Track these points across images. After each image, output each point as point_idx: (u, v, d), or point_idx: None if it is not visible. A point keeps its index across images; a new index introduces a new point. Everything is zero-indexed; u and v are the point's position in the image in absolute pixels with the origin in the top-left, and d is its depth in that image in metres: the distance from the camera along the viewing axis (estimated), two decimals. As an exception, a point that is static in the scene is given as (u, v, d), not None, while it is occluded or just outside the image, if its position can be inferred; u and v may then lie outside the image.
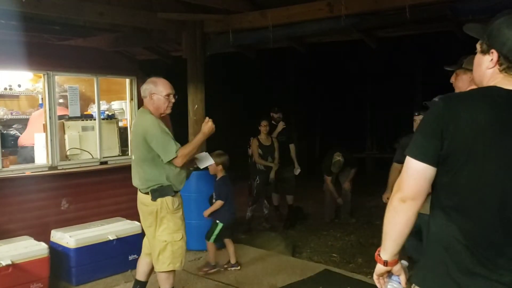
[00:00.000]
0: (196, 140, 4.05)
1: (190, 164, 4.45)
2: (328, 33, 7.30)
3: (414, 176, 1.81)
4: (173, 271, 4.05)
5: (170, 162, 3.87)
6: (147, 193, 3.95)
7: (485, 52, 1.86)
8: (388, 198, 5.45)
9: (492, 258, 1.74)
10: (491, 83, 1.84)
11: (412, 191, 1.81)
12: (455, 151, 1.75)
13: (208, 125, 4.06)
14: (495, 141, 1.73)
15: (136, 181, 4.06)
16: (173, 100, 4.04)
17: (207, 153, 4.67)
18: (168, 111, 4.05)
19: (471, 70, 3.06)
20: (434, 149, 1.77)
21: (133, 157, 4.12)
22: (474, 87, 2.01)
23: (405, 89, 12.53)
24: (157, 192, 3.91)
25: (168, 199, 3.92)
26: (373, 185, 9.62)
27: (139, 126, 4.00)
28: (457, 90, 3.26)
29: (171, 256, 3.96)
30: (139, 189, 4.05)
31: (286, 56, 11.22)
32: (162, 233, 3.95)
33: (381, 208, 7.46)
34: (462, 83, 3.26)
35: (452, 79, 3.37)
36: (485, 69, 1.87)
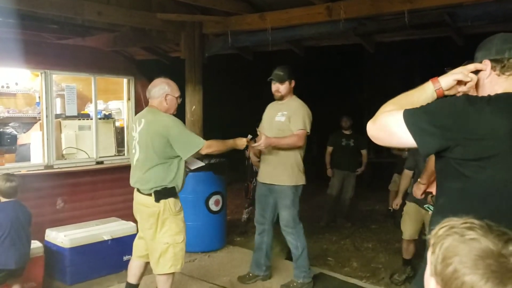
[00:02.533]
0: (228, 143, 4.24)
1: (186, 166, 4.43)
2: (326, 37, 7.31)
3: (392, 130, 1.86)
4: (173, 273, 4.03)
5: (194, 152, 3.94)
6: (149, 194, 3.92)
7: (477, 72, 1.93)
8: (397, 205, 5.49)
9: None
10: (497, 89, 1.86)
11: (381, 137, 1.92)
12: (477, 156, 1.72)
13: (243, 143, 4.32)
14: None
15: (137, 182, 4.02)
16: (179, 102, 4.15)
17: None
18: (175, 112, 4.11)
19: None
20: (438, 138, 1.75)
21: (136, 156, 4.04)
22: (473, 93, 2.01)
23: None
24: (160, 194, 3.89)
25: (171, 201, 3.92)
26: (369, 189, 9.66)
27: (156, 125, 3.93)
28: None
29: (173, 258, 3.94)
30: (140, 190, 4.00)
31: (285, 59, 11.23)
32: (164, 235, 3.93)
33: (377, 213, 7.57)
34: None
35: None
36: (484, 81, 1.92)
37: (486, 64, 1.89)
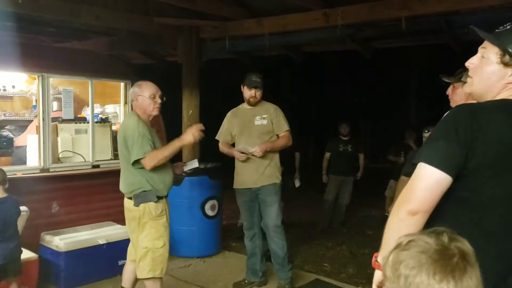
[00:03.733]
0: (173, 145, 3.95)
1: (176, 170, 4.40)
2: (323, 43, 7.33)
3: (430, 187, 1.64)
4: (160, 278, 3.99)
5: (140, 163, 3.78)
6: (130, 198, 3.91)
7: (507, 64, 1.74)
8: None
9: (503, 279, 1.68)
10: (502, 96, 1.75)
11: (426, 203, 1.64)
12: (482, 165, 1.64)
13: (193, 131, 3.97)
14: None
15: (121, 186, 4.03)
16: (159, 101, 3.99)
17: (196, 160, 4.60)
18: (155, 112, 4.01)
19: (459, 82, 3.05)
20: (459, 159, 1.63)
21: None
22: (471, 100, 1.95)
23: (399, 100, 12.60)
24: (139, 198, 3.85)
25: (151, 205, 3.86)
26: (365, 195, 9.66)
27: (122, 128, 4.01)
28: (452, 104, 3.15)
29: (151, 263, 3.89)
30: (124, 194, 4.00)
31: (282, 64, 11.26)
32: (144, 239, 3.89)
33: (373, 218, 7.55)
34: (459, 96, 3.22)
35: (449, 91, 3.29)
36: (500, 82, 1.76)
37: None
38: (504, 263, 1.69)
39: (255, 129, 4.94)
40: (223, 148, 5.10)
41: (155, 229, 3.90)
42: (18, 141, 5.84)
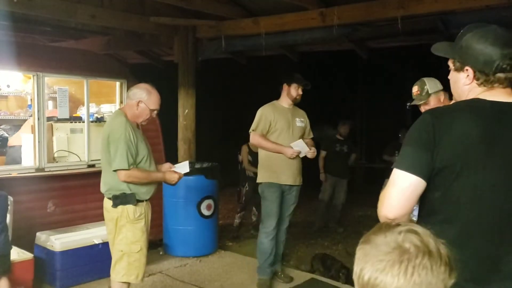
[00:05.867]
0: (153, 175, 3.90)
1: None
2: (320, 42, 7.32)
3: (404, 191, 1.73)
4: (128, 284, 3.88)
5: (116, 171, 3.69)
6: (109, 198, 3.81)
7: (459, 69, 1.87)
8: None
9: (486, 274, 1.71)
10: (472, 96, 1.83)
11: (400, 207, 1.73)
12: (449, 164, 1.72)
13: (173, 177, 3.97)
14: (487, 153, 1.71)
15: (101, 186, 3.91)
16: (154, 116, 3.94)
17: (187, 161, 4.53)
18: (144, 123, 3.93)
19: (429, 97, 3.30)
20: (426, 161, 1.72)
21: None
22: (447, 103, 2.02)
23: (396, 100, 12.62)
24: (118, 199, 3.74)
25: (129, 207, 3.74)
26: (361, 194, 9.66)
27: (107, 126, 3.85)
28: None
29: (127, 268, 3.80)
30: (104, 194, 3.89)
31: (279, 63, 11.26)
32: (120, 242, 3.79)
33: (369, 218, 7.57)
34: (431, 106, 3.44)
35: (422, 110, 3.56)
36: (463, 86, 1.87)
37: (469, 73, 1.83)
38: (482, 261, 1.72)
39: (296, 130, 5.07)
40: (261, 140, 5.00)
41: (132, 233, 3.78)
42: (11, 140, 5.81)
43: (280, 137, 4.99)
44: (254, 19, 6.28)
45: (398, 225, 1.22)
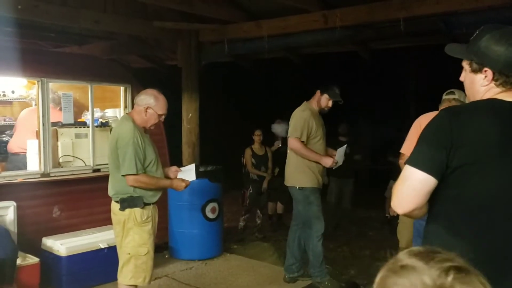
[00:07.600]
0: (161, 182, 3.98)
1: None
2: (322, 45, 7.33)
3: (414, 188, 1.76)
4: (135, 286, 3.93)
5: (124, 176, 3.77)
6: (117, 202, 3.86)
7: (476, 71, 1.86)
8: (394, 212, 5.54)
9: (501, 274, 1.68)
10: (488, 97, 1.83)
11: (412, 205, 1.78)
12: (465, 163, 1.72)
13: (180, 186, 4.07)
14: (504, 154, 1.71)
15: (109, 189, 3.98)
16: (162, 120, 4.02)
17: (194, 165, 4.58)
18: (152, 128, 4.00)
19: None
20: (440, 160, 1.73)
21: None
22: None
23: (399, 101, 12.60)
24: (125, 202, 3.80)
25: (136, 210, 3.80)
26: (366, 196, 9.65)
27: (116, 132, 3.92)
28: None
29: (134, 270, 3.84)
30: (112, 197, 3.96)
31: (282, 66, 11.28)
32: (127, 245, 3.84)
33: (374, 220, 7.52)
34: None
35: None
36: (480, 86, 1.86)
37: (487, 74, 1.82)
38: (497, 260, 1.71)
39: (325, 137, 5.21)
40: (302, 148, 5.01)
41: (139, 236, 3.83)
42: (11, 146, 5.79)
43: (317, 144, 5.08)
44: (256, 22, 6.29)
45: (450, 268, 1.07)
